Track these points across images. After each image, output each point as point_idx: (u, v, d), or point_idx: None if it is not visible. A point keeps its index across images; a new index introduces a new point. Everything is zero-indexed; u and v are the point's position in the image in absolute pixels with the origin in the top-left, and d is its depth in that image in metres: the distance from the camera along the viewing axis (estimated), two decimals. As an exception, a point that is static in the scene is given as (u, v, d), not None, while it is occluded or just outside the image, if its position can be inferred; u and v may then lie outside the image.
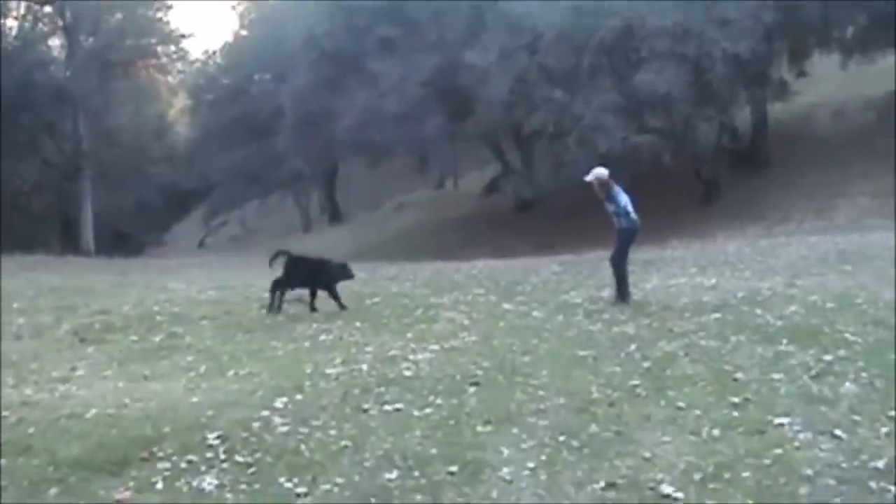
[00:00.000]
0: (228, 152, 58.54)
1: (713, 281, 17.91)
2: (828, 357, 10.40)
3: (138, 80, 58.94)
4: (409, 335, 13.98)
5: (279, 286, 16.98)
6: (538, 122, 36.14)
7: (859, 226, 28.98)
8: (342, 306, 16.94)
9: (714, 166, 36.64)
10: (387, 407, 9.90)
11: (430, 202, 55.24)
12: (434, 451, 8.42)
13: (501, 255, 32.94)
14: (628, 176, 32.52)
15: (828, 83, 44.56)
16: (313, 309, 17.01)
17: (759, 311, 13.70)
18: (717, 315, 13.74)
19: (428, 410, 9.70)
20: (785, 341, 11.38)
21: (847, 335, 11.36)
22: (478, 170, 53.40)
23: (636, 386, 9.92)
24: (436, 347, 12.84)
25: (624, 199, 15.68)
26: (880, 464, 7.28)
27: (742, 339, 11.82)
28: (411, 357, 12.31)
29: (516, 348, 12.36)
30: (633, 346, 11.86)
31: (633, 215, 15.71)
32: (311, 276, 17.24)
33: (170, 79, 63.92)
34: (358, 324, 15.32)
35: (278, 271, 17.05)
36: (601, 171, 16.03)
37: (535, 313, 15.49)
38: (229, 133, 59.59)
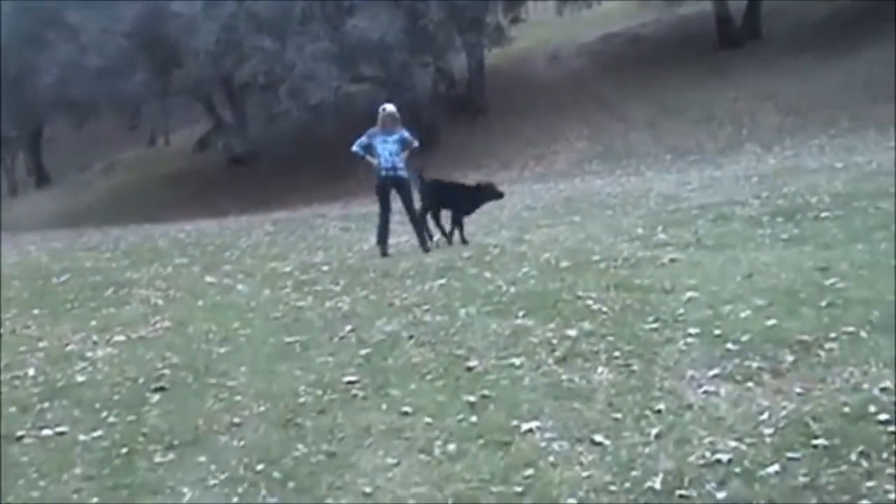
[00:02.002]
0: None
1: (436, 238, 16.49)
2: (572, 332, 8.87)
3: None
4: (94, 323, 11.85)
5: (422, 214, 16.16)
6: (248, 73, 34.18)
7: (581, 171, 28.57)
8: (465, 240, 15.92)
9: (431, 114, 35.60)
10: (46, 432, 7.80)
11: (141, 161, 52.40)
12: (94, 501, 6.47)
13: (214, 214, 31.56)
14: (343, 127, 31.52)
15: (542, 28, 44.40)
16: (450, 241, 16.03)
17: (488, 275, 12.18)
18: (443, 281, 12.14)
19: (97, 434, 7.65)
20: (522, 313, 9.78)
21: (590, 302, 9.86)
22: (190, 126, 50.97)
23: (352, 383, 8.12)
24: (121, 339, 10.76)
25: (379, 150, 15.29)
26: (656, 482, 5.78)
27: (473, 311, 10.16)
28: (90, 354, 10.22)
29: (213, 336, 10.43)
30: (348, 328, 10.04)
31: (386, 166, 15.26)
32: (451, 200, 16.41)
33: None
34: (36, 311, 13.04)
35: None
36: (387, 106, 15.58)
37: (239, 287, 13.60)
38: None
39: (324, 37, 32.66)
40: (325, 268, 14.47)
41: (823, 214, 13.97)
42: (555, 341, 8.68)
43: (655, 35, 40.38)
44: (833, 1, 33.68)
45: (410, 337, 9.40)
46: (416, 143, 15.61)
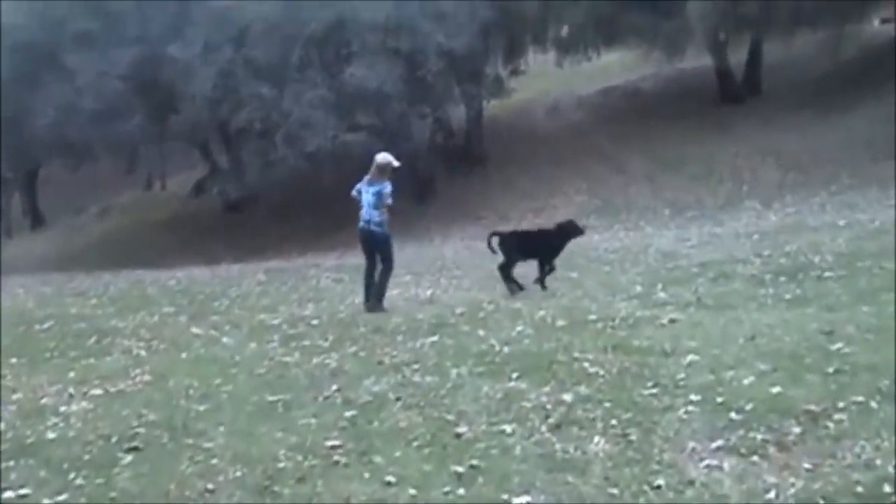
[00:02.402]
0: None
1: (429, 293, 16.26)
2: (567, 396, 8.47)
3: None
4: (72, 374, 11.41)
5: (505, 268, 15.92)
6: (245, 119, 33.76)
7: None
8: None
9: (429, 164, 35.26)
10: (8, 494, 7.32)
11: (137, 205, 51.95)
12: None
13: (208, 260, 31.10)
14: (339, 175, 31.20)
15: (542, 80, 44.26)
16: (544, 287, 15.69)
17: (481, 333, 11.80)
18: (434, 338, 11.75)
19: (61, 497, 7.19)
20: (515, 375, 9.39)
21: (586, 364, 9.48)
22: (188, 171, 50.66)
23: (335, 448, 7.68)
24: (98, 392, 10.32)
25: (363, 199, 14.88)
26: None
27: (464, 371, 9.77)
28: (64, 409, 9.73)
29: (194, 391, 9.99)
30: (334, 387, 9.61)
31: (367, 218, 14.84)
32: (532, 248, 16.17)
33: None
34: (14, 360, 12.62)
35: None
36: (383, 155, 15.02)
37: (225, 339, 13.20)
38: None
39: (321, 84, 32.34)
40: (315, 321, 14.09)
41: (827, 274, 13.64)
42: (549, 406, 8.29)
43: (655, 89, 40.18)
44: (833, 57, 33.40)
45: (398, 398, 8.99)
46: (389, 201, 14.71)
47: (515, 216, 31.44)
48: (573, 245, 20.83)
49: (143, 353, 12.67)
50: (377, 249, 15.11)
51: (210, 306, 17.23)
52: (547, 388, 8.81)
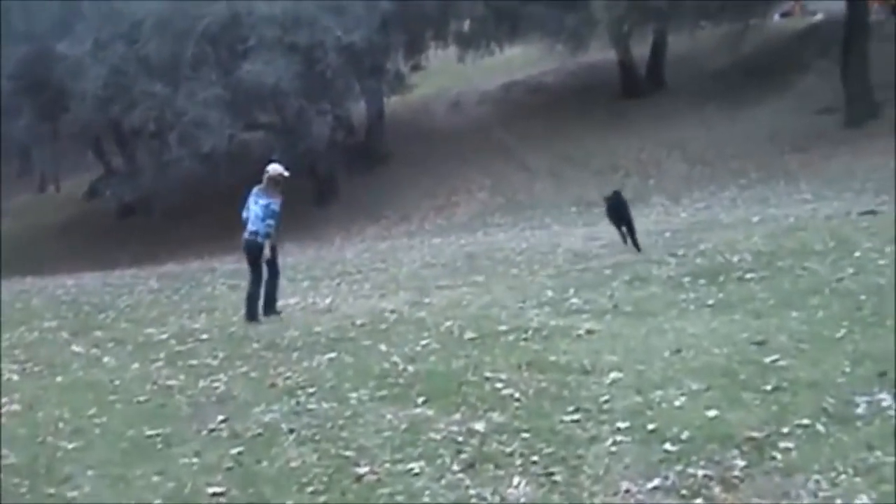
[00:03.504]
0: None
1: (328, 301, 15.33)
2: (480, 425, 7.52)
3: None
4: (-72, 404, 10.31)
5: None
6: (138, 119, 32.51)
7: (483, 223, 27.48)
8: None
9: (329, 163, 34.28)
10: None
11: (30, 208, 50.12)
12: None
13: (103, 265, 29.98)
14: (237, 176, 30.16)
15: (444, 76, 43.55)
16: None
17: (383, 348, 10.84)
18: (333, 355, 10.77)
19: None
20: (421, 400, 8.45)
21: (499, 385, 8.57)
22: (83, 172, 48.99)
23: (218, 495, 6.70)
24: None
25: (250, 212, 14.17)
26: None
27: (365, 396, 8.80)
28: None
29: (64, 425, 8.89)
30: (220, 417, 8.59)
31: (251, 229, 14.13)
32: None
33: None
34: None
35: None
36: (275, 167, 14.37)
37: (106, 359, 12.10)
38: None
39: (216, 82, 31.21)
40: (205, 336, 13.04)
41: (748, 276, 12.93)
42: (460, 438, 7.37)
43: (558, 83, 39.55)
44: (735, 51, 33.03)
45: (291, 430, 7.99)
46: (265, 228, 13.95)
47: (418, 215, 30.77)
48: (477, 246, 20.22)
49: (14, 377, 11.54)
50: (264, 260, 14.24)
51: (95, 319, 16.16)
52: (457, 416, 7.91)
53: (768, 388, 7.73)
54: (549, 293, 13.58)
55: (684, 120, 31.82)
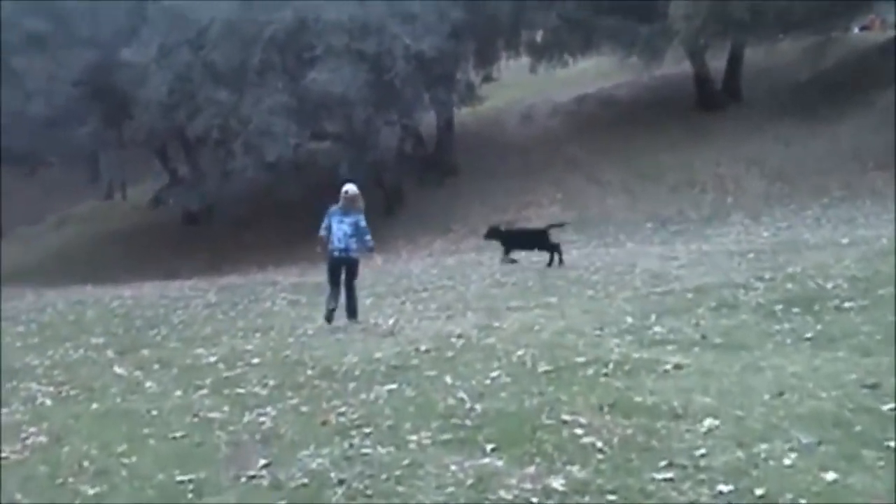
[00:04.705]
0: None
1: (391, 321, 14.44)
2: (558, 483, 6.46)
3: None
4: (-42, 433, 9.49)
5: None
6: (202, 126, 31.93)
7: (555, 239, 26.46)
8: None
9: (396, 175, 33.64)
10: None
11: (96, 215, 50.08)
12: None
13: (165, 275, 29.72)
14: (302, 186, 29.53)
15: (515, 87, 42.76)
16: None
17: (448, 380, 9.84)
18: (393, 386, 9.80)
19: None
20: (490, 447, 7.43)
21: (579, 430, 7.55)
22: (151, 179, 48.67)
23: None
24: None
25: (332, 228, 14.99)
26: None
27: (426, 440, 7.79)
28: None
29: (88, 465, 7.96)
30: (262, 462, 7.61)
31: (336, 245, 14.96)
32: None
33: None
34: None
35: None
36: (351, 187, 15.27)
37: (148, 384, 11.22)
38: None
39: (282, 90, 30.69)
40: (256, 360, 12.12)
41: (846, 304, 11.85)
42: (535, 500, 6.36)
43: (631, 96, 38.47)
44: (815, 64, 31.83)
45: (341, 481, 6.94)
46: (369, 242, 15.30)
47: (486, 229, 29.82)
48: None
49: (48, 401, 10.72)
50: (349, 274, 15.11)
51: (145, 337, 15.44)
52: (531, 469, 6.87)
53: (891, 443, 6.68)
54: (629, 319, 12.56)
55: (762, 135, 30.73)
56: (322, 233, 15.02)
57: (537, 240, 21.19)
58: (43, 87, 34.42)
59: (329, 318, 14.91)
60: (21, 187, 53.01)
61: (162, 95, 31.46)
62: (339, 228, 14.82)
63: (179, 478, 7.43)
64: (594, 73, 41.40)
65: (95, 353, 13.97)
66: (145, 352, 13.66)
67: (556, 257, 20.21)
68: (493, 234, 22.43)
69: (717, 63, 35.25)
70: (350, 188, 15.09)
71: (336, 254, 14.86)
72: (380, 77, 30.46)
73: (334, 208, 15.02)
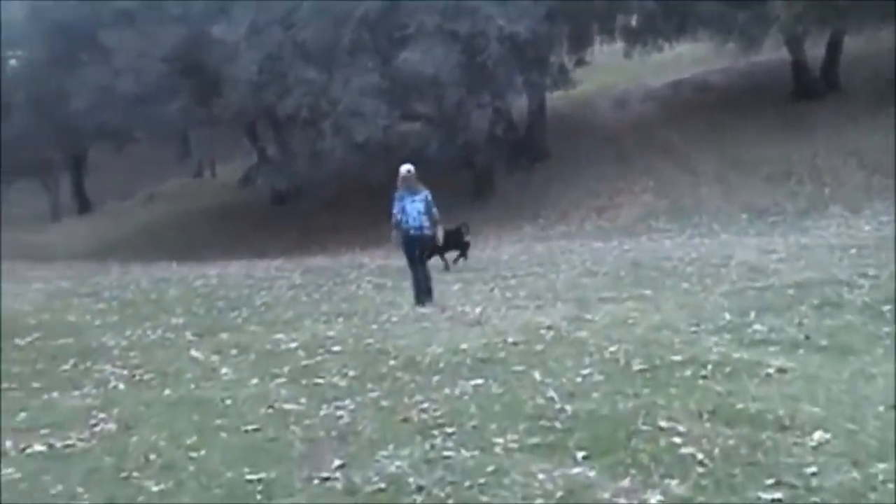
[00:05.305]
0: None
1: (478, 310, 13.95)
2: (655, 499, 5.92)
3: None
4: (21, 417, 9.16)
5: None
6: (292, 106, 31.68)
7: (647, 227, 25.91)
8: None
9: (487, 158, 33.15)
10: None
11: (185, 192, 50.34)
12: None
13: (252, 254, 29.70)
14: (391, 168, 29.17)
15: (608, 72, 42.09)
16: None
17: (537, 376, 9.34)
18: (478, 382, 9.32)
19: None
20: (581, 455, 6.88)
21: (677, 440, 6.97)
22: (241, 158, 48.75)
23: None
24: (39, 449, 7.99)
25: (406, 208, 15.41)
26: None
27: (513, 443, 7.26)
28: None
29: (155, 458, 7.54)
30: (337, 462, 7.11)
31: (398, 224, 15.54)
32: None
33: None
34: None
35: None
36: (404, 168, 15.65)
37: (224, 370, 10.88)
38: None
39: (373, 70, 30.34)
40: (338, 348, 11.71)
41: (958, 307, 11.12)
42: (637, 513, 5.86)
43: (727, 82, 37.56)
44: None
45: (420, 488, 6.43)
46: (436, 214, 15.69)
47: (577, 216, 29.44)
48: (642, 253, 18.75)
49: (120, 385, 10.41)
50: (424, 252, 15.87)
51: (225, 319, 15.21)
52: (626, 482, 6.31)
53: None
54: (727, 315, 11.95)
55: (860, 125, 29.71)
56: (398, 217, 15.40)
57: (454, 239, 20.68)
58: (133, 64, 34.49)
59: (419, 301, 15.28)
60: (111, 163, 53.75)
61: (252, 74, 31.26)
62: (412, 208, 15.29)
63: (249, 476, 6.97)
64: (689, 58, 40.57)
65: (173, 335, 13.72)
66: (224, 335, 13.36)
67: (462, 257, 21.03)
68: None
69: (815, 51, 34.22)
70: (410, 167, 15.52)
71: (412, 232, 15.35)
72: (472, 58, 29.98)
73: (399, 191, 15.42)
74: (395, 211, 15.43)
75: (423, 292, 15.48)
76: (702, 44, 37.05)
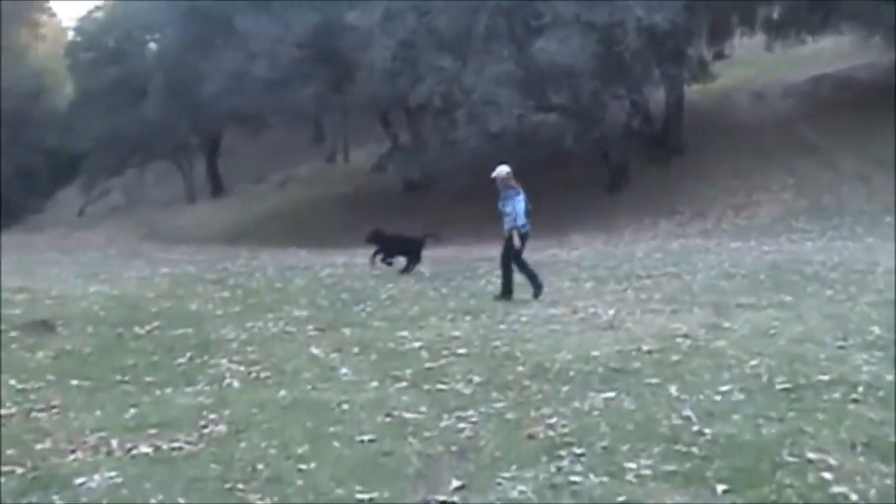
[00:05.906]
0: (109, 116, 52.03)
1: (611, 312, 13.40)
2: None
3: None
4: (129, 414, 8.88)
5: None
6: (425, 94, 31.42)
7: (786, 227, 25.03)
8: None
9: (623, 151, 32.64)
10: None
11: (318, 177, 50.43)
12: None
13: None
14: (525, 159, 28.69)
15: (747, 66, 41.06)
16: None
17: (673, 391, 8.78)
18: (611, 395, 8.78)
19: None
20: (722, 488, 6.31)
21: (827, 475, 6.35)
22: (374, 144, 48.74)
23: None
24: (145, 450, 7.67)
25: (517, 207, 15.56)
26: None
27: (647, 469, 6.71)
28: (80, 481, 6.94)
29: (265, 467, 7.13)
30: (455, 483, 6.58)
31: (522, 223, 15.68)
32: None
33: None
34: (75, 382, 10.29)
35: None
36: (501, 169, 15.85)
37: (343, 370, 10.49)
38: (110, 95, 53.19)
39: (508, 58, 29.95)
40: (463, 350, 11.26)
41: None
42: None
43: (871, 79, 36.22)
44: None
45: None
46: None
47: (714, 213, 28.73)
48: (782, 255, 18.04)
49: (235, 383, 10.08)
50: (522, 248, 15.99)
51: (349, 313, 14.88)
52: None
53: None
54: (875, 329, 11.20)
55: None
56: (508, 210, 15.57)
57: (411, 248, 21.17)
58: (267, 49, 34.84)
59: (537, 294, 15.65)
60: (245, 147, 54.26)
61: (385, 61, 31.29)
62: (520, 208, 15.62)
63: (360, 496, 6.49)
64: (830, 53, 39.32)
65: (295, 328, 13.42)
66: (346, 331, 12.99)
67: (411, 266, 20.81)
68: (373, 238, 21.78)
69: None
70: (503, 167, 15.84)
71: (524, 229, 15.75)
72: (609, 49, 29.45)
73: (507, 192, 15.60)
74: (513, 215, 15.54)
75: (537, 284, 15.84)
76: (845, 38, 36.12)
